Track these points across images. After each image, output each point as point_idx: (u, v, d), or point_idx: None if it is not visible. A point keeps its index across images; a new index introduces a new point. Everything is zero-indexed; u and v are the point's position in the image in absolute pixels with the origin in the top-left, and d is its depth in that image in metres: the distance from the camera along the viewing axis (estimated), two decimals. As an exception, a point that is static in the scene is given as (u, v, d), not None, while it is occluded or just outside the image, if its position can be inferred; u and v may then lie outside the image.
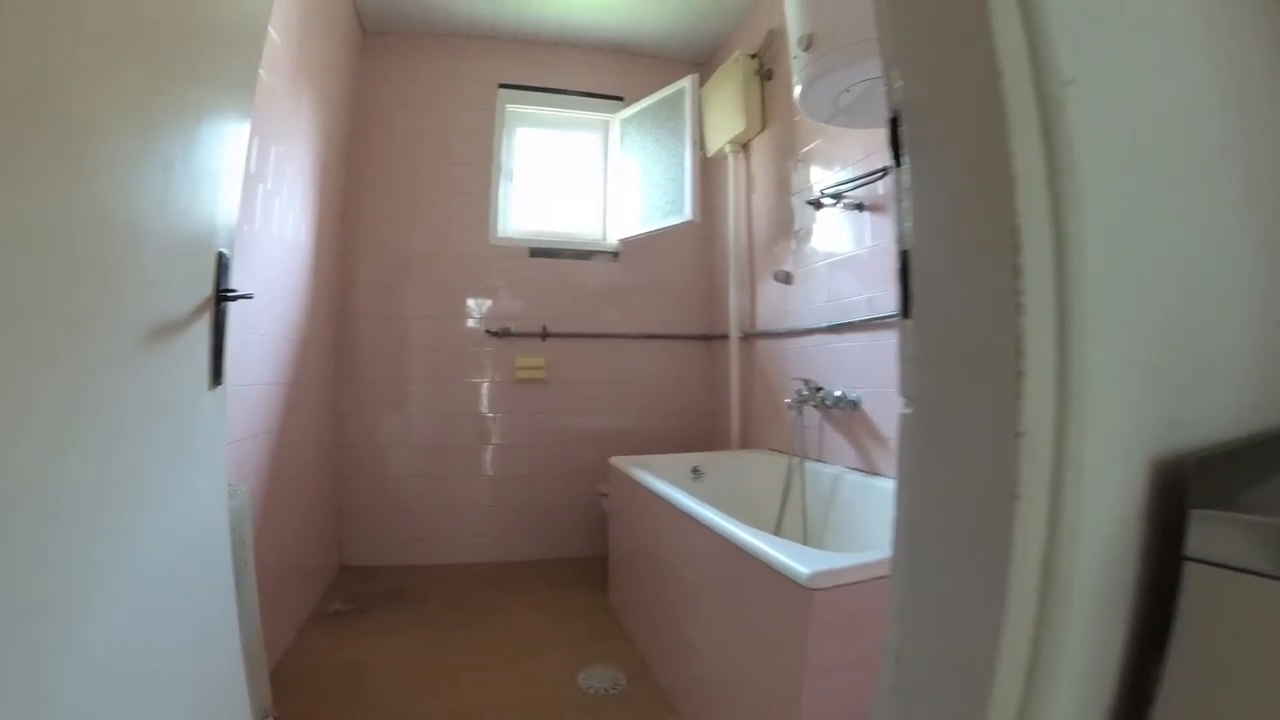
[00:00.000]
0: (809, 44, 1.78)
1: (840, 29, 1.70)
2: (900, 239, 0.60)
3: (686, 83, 3.16)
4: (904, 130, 0.62)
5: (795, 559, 1.31)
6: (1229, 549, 0.52)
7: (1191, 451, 0.58)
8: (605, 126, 3.62)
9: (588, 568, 3.11)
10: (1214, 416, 0.68)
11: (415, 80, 3.31)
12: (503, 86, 3.42)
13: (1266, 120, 0.88)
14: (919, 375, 0.57)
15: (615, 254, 3.55)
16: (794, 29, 1.88)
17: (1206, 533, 0.54)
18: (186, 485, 1.05)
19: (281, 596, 2.08)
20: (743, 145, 3.19)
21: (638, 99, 3.42)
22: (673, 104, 3.21)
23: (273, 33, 1.90)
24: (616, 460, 2.67)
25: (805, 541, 2.27)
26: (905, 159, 0.61)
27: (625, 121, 3.48)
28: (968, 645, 0.53)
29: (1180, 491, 0.56)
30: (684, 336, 3.58)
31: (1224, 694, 0.52)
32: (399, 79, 3.28)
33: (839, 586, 1.25)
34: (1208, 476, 0.57)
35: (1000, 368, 0.48)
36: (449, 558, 3.18)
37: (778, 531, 2.35)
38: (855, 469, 2.27)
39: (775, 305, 2.96)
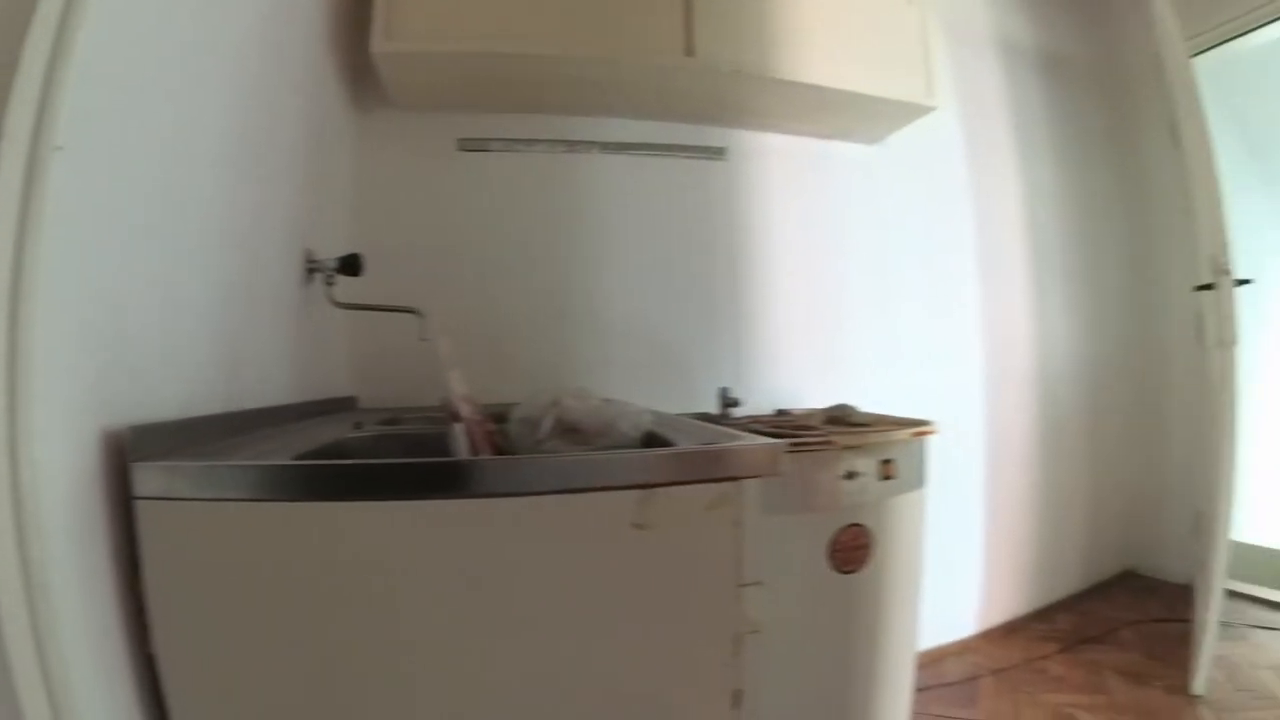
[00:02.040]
0: None
1: None
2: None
3: None
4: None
5: None
6: (156, 486, 0.81)
7: (140, 424, 0.85)
8: None
9: None
10: (170, 400, 1.00)
11: None
12: None
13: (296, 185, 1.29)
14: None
15: None
16: None
17: (143, 478, 0.81)
18: None
19: None
20: None
21: None
22: None
23: None
24: None
25: None
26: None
27: None
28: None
29: (129, 452, 0.82)
30: None
31: (183, 579, 0.82)
32: None
33: None
34: (152, 441, 0.85)
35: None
36: None
37: None
38: None
39: None
